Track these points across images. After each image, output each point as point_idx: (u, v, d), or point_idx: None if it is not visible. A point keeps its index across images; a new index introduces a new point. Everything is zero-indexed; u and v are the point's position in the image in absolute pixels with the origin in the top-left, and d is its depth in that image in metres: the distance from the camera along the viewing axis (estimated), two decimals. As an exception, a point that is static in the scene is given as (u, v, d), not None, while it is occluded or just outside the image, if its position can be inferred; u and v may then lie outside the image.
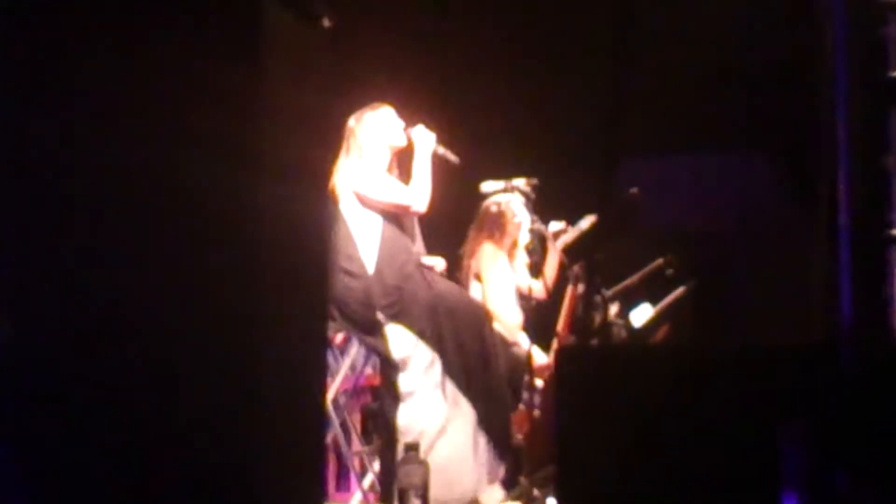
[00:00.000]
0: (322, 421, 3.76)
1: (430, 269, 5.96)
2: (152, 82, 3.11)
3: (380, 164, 5.88)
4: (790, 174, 7.26)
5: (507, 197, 6.43)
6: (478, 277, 6.46)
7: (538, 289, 6.58)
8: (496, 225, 6.51)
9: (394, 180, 5.87)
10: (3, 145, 3.04)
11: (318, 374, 3.66)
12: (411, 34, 6.77)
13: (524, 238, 6.56)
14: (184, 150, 3.09)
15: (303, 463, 3.47)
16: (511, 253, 6.59)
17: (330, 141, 4.90)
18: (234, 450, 3.14)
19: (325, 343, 4.05)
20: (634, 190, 6.09)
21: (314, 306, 3.65)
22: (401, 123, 5.91)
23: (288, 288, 3.39)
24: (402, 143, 5.90)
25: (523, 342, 6.27)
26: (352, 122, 5.89)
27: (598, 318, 6.08)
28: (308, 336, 3.56)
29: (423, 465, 4.38)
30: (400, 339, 5.67)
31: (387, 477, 5.55)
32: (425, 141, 5.91)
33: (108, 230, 3.08)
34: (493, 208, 6.48)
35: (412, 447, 5.02)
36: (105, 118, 3.05)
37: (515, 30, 7.08)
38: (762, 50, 6.89)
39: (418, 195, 5.83)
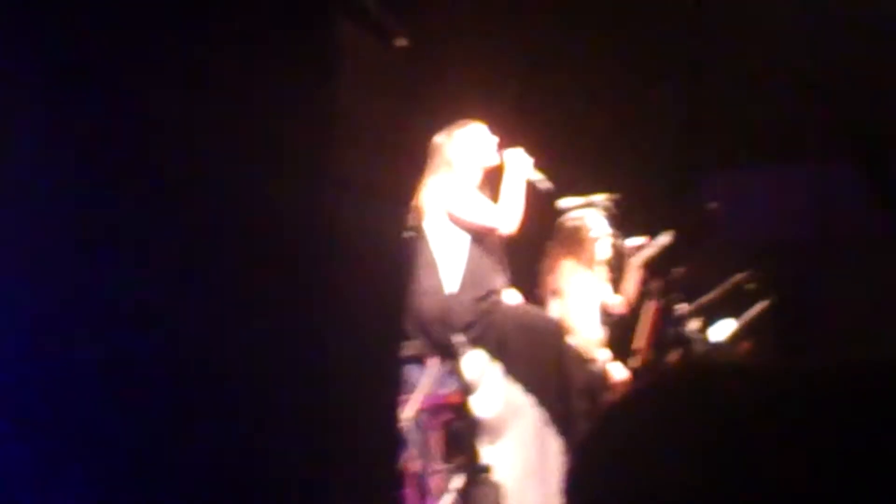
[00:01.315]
0: (396, 438, 3.75)
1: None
2: (229, 98, 3.13)
3: (470, 182, 5.86)
4: (873, 184, 7.17)
5: (585, 212, 6.38)
6: (557, 293, 6.41)
7: (618, 304, 6.53)
8: (574, 240, 6.45)
9: (484, 199, 5.86)
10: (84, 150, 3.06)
11: (392, 391, 3.67)
12: (494, 51, 6.77)
13: (603, 253, 6.51)
14: (261, 166, 3.11)
15: (377, 481, 3.48)
16: (590, 268, 6.54)
17: (407, 157, 4.89)
18: (308, 467, 3.15)
19: (399, 360, 4.04)
20: (714, 204, 6.04)
21: (391, 323, 3.66)
22: (493, 140, 5.88)
23: (365, 303, 3.39)
24: (495, 161, 5.87)
25: (603, 358, 6.23)
26: (440, 138, 5.85)
27: (677, 334, 6.05)
28: (383, 352, 3.57)
29: (496, 486, 4.35)
30: (474, 360, 5.65)
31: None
32: (520, 164, 5.88)
33: (192, 242, 3.10)
34: (570, 223, 6.42)
35: (484, 469, 4.97)
36: (187, 134, 3.07)
37: (596, 45, 7.05)
38: (840, 58, 6.83)
39: (508, 217, 5.79)
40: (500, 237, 5.86)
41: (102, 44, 2.99)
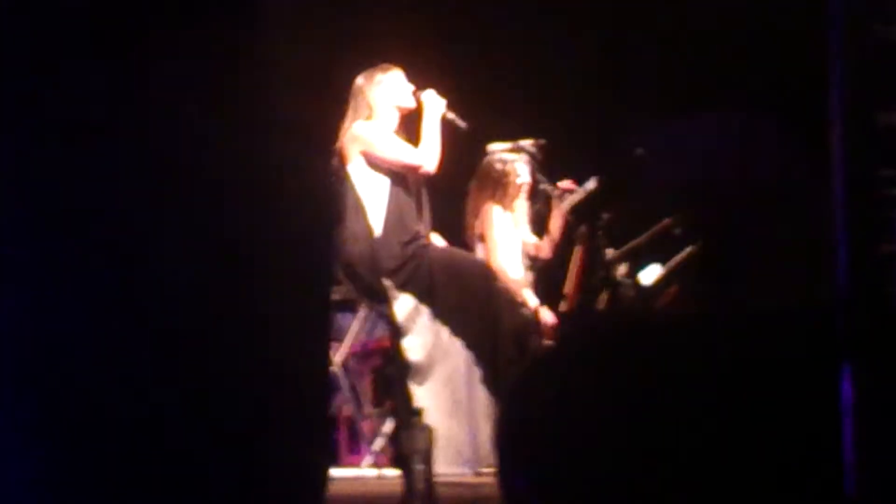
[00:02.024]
0: (328, 384, 3.75)
1: None
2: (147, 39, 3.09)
3: (389, 126, 5.86)
4: (797, 132, 7.24)
5: (510, 156, 6.40)
6: (482, 238, 6.44)
7: (543, 248, 6.56)
8: (498, 184, 6.47)
9: (403, 142, 5.87)
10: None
11: (323, 337, 3.65)
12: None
13: (528, 197, 6.53)
14: (184, 106, 3.06)
15: (310, 427, 3.46)
16: (514, 212, 6.56)
17: (333, 100, 4.88)
18: (239, 415, 3.13)
19: (330, 306, 4.05)
20: (640, 150, 6.07)
21: (319, 269, 3.62)
22: (409, 86, 5.89)
23: (292, 249, 3.36)
24: (412, 105, 5.89)
25: (531, 301, 6.27)
26: (360, 81, 5.86)
27: (605, 278, 6.09)
28: (313, 299, 3.54)
29: (427, 429, 4.38)
30: (404, 304, 5.67)
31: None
32: (435, 105, 5.89)
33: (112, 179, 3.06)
34: (494, 167, 6.43)
35: (415, 412, 5.01)
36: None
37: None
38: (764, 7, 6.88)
39: (428, 156, 5.81)
40: (421, 179, 5.90)
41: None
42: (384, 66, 5.90)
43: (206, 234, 3.10)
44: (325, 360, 3.67)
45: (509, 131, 6.26)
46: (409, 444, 4.19)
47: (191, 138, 3.09)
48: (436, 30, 6.94)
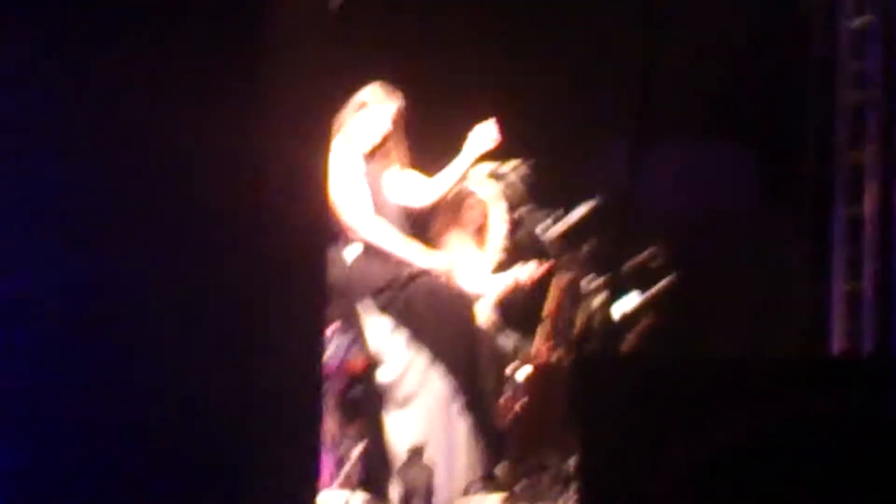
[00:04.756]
0: (320, 410, 3.64)
1: None
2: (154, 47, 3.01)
3: (363, 149, 5.74)
4: (770, 166, 7.25)
5: (476, 181, 6.28)
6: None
7: (526, 276, 6.40)
8: (456, 210, 6.37)
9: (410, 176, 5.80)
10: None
11: (317, 361, 3.55)
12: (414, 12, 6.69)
13: (499, 223, 6.41)
14: (188, 119, 2.99)
15: (300, 451, 3.37)
16: (478, 238, 6.44)
17: (331, 114, 4.77)
18: (231, 436, 3.05)
19: (324, 326, 3.95)
20: (628, 178, 6.00)
21: (313, 287, 3.55)
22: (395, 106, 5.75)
23: (286, 267, 3.28)
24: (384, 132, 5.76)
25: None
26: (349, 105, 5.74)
27: (583, 308, 6.01)
28: (306, 319, 3.46)
29: (427, 468, 4.28)
30: (380, 326, 5.55)
31: (378, 473, 5.41)
32: (484, 141, 5.81)
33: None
34: (455, 191, 6.31)
35: (416, 451, 4.95)
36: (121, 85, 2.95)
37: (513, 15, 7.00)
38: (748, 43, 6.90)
39: (435, 194, 5.85)
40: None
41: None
42: (385, 89, 5.78)
43: (198, 245, 3.03)
44: (319, 385, 3.56)
45: (497, 151, 6.12)
46: (410, 482, 4.09)
47: (190, 151, 3.03)
48: (429, 41, 6.85)
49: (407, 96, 5.82)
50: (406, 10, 6.76)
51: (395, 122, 5.76)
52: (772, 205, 7.27)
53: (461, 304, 5.70)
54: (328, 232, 5.23)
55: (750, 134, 7.20)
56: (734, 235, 7.23)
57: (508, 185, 6.07)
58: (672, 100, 6.91)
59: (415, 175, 5.88)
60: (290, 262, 3.33)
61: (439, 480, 5.35)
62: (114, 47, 2.99)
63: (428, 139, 6.02)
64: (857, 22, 6.78)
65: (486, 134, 5.82)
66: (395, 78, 5.82)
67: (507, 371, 5.81)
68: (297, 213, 3.35)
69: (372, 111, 5.72)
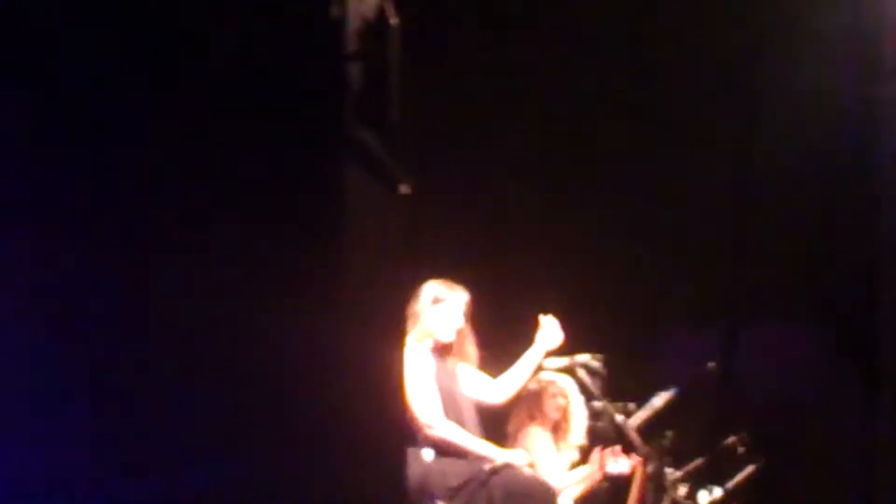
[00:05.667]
0: None
1: None
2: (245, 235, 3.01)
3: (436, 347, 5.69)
4: (850, 351, 7.15)
5: (552, 376, 6.19)
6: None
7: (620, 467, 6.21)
8: (535, 404, 6.27)
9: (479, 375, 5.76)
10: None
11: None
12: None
13: (578, 417, 6.29)
14: (275, 308, 2.95)
15: None
16: (559, 432, 6.31)
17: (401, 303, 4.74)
18: None
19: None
20: (712, 364, 5.92)
21: (392, 486, 3.47)
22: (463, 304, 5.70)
23: (364, 466, 3.21)
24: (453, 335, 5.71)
25: None
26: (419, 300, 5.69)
27: (666, 499, 5.87)
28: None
29: None
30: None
31: None
32: (552, 336, 5.76)
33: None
34: (532, 386, 6.22)
35: None
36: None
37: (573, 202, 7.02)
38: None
39: (509, 391, 5.77)
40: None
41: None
42: (450, 283, 5.73)
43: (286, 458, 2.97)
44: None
45: (569, 343, 6.03)
46: None
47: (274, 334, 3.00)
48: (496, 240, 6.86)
49: (472, 291, 5.76)
50: (476, 201, 6.80)
51: (465, 317, 5.69)
52: (856, 387, 7.17)
53: (543, 499, 5.53)
54: (406, 431, 5.14)
55: (830, 317, 7.13)
56: (818, 421, 7.11)
57: (582, 378, 5.98)
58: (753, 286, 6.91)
59: (479, 372, 5.79)
60: (368, 459, 3.25)
61: None
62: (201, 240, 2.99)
63: (490, 336, 5.95)
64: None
65: (553, 330, 5.75)
66: (458, 271, 5.78)
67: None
68: (376, 411, 3.29)
69: (448, 305, 5.64)
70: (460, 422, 5.57)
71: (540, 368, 5.99)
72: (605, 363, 5.89)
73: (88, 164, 3.00)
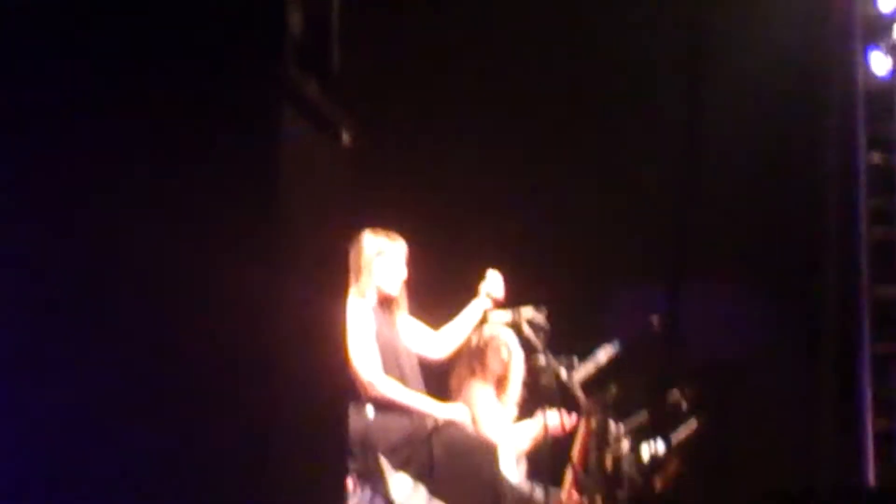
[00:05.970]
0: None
1: None
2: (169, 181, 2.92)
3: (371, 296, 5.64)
4: (795, 305, 7.21)
5: (495, 330, 6.15)
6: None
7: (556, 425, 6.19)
8: (477, 359, 6.23)
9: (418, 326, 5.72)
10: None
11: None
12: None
13: (517, 372, 6.27)
14: (202, 252, 2.90)
15: None
16: (501, 386, 6.28)
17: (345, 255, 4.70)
18: None
19: (345, 480, 3.80)
20: (655, 317, 5.92)
21: (333, 441, 3.41)
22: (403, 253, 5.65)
23: (305, 421, 3.15)
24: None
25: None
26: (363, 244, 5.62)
27: (609, 453, 5.87)
28: (327, 473, 3.31)
29: None
30: (400, 484, 5.37)
31: None
32: (494, 292, 5.74)
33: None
34: (475, 340, 6.17)
35: None
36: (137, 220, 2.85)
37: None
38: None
39: (449, 345, 5.76)
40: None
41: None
42: (390, 233, 5.66)
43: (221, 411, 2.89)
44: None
45: (512, 296, 5.99)
46: None
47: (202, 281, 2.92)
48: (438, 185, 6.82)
49: (410, 242, 5.70)
50: (415, 152, 6.76)
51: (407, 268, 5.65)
52: (798, 345, 7.23)
53: (484, 456, 5.51)
54: (348, 386, 5.09)
55: (772, 276, 7.17)
56: (760, 377, 7.16)
57: (526, 333, 5.94)
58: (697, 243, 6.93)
59: (420, 324, 5.75)
60: (310, 415, 3.19)
61: None
62: (119, 184, 2.90)
63: (429, 287, 5.91)
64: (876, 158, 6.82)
65: (495, 284, 5.70)
66: (398, 222, 5.72)
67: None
68: (316, 366, 3.23)
69: (391, 257, 5.58)
70: (402, 377, 5.52)
71: (484, 322, 5.96)
72: (549, 317, 5.86)
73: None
